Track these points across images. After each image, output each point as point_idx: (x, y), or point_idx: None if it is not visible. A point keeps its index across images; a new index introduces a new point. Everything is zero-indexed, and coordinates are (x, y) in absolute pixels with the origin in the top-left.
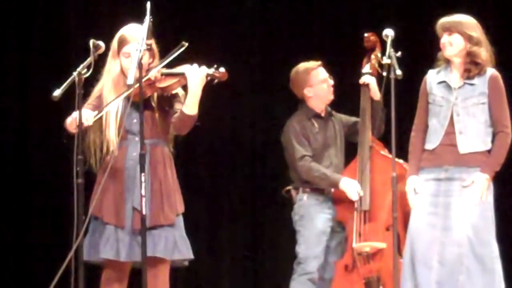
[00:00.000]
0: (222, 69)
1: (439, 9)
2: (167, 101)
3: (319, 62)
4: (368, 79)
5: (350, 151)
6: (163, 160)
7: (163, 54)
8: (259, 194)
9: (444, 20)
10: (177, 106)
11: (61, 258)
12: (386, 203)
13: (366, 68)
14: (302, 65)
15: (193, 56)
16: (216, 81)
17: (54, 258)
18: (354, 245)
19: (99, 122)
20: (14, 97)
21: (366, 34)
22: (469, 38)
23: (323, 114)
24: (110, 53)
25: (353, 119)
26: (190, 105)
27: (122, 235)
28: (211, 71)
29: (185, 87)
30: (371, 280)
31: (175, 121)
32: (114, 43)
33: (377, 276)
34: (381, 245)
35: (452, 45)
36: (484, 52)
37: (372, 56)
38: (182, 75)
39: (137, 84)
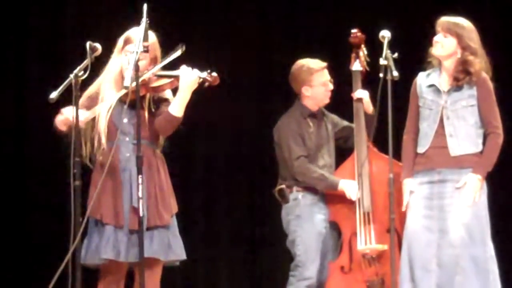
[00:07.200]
0: (214, 74)
1: (436, 11)
2: (158, 104)
3: (325, 64)
4: (361, 93)
5: (339, 151)
6: (155, 160)
7: (162, 54)
8: (258, 193)
9: (446, 20)
10: (164, 109)
11: (59, 260)
12: (386, 204)
13: (356, 66)
14: (307, 63)
15: (191, 56)
16: (207, 84)
17: (52, 261)
18: (358, 248)
19: (91, 121)
20: (12, 99)
21: (353, 30)
22: (465, 47)
23: (317, 114)
24: (115, 51)
25: (345, 123)
26: (177, 106)
27: (121, 235)
28: (204, 74)
29: (175, 90)
30: (375, 283)
31: (159, 121)
32: (120, 41)
33: (381, 279)
34: (383, 247)
35: (443, 47)
36: (479, 64)
37: (360, 53)
38: (176, 77)
39: (133, 85)
